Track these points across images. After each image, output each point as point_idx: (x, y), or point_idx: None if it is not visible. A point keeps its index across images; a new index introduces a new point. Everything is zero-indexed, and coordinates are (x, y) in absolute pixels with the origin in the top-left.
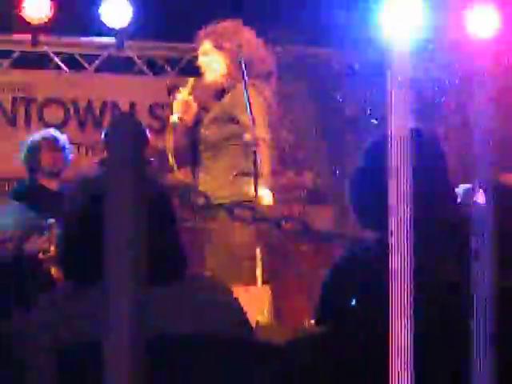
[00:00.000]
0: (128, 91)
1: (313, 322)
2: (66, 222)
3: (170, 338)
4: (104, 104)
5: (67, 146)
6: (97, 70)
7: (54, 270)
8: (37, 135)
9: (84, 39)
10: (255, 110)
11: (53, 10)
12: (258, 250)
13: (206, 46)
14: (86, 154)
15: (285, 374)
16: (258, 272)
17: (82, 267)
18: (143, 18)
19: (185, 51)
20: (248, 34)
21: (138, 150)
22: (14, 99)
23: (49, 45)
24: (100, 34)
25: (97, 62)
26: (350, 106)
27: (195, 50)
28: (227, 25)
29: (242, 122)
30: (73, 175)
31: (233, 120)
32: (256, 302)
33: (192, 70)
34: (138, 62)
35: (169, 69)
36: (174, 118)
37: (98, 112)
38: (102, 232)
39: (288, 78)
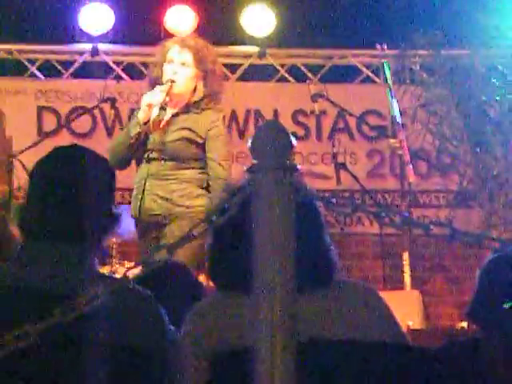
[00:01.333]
0: (271, 99)
1: (464, 325)
2: (215, 232)
3: (322, 344)
4: (248, 112)
5: None
6: (240, 79)
7: (202, 279)
8: None
9: (226, 49)
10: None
11: (195, 22)
12: (405, 255)
13: (187, 56)
14: (232, 162)
15: (439, 379)
16: (407, 277)
17: (231, 275)
18: (285, 26)
19: (327, 58)
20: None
21: (285, 157)
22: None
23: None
24: (242, 44)
25: (239, 71)
26: (494, 107)
27: (338, 56)
28: (203, 44)
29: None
30: None
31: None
32: (405, 307)
33: (334, 76)
34: (281, 69)
35: (311, 75)
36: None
37: (241, 120)
38: (252, 240)
39: (431, 82)
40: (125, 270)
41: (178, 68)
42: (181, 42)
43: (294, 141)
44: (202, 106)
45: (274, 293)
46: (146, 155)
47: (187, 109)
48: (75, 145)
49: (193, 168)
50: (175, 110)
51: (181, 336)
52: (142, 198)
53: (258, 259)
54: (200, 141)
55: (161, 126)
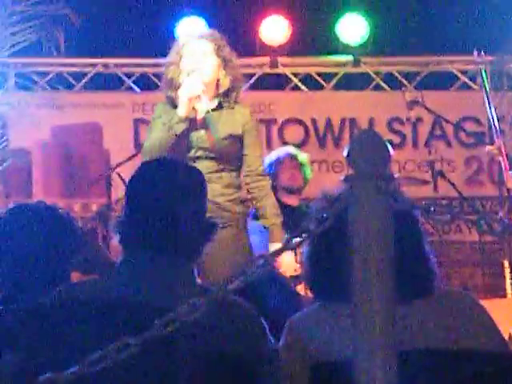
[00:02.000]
0: (366, 107)
1: None
2: (312, 240)
3: (424, 354)
4: (343, 121)
5: (307, 163)
6: (334, 88)
7: (300, 288)
8: (276, 153)
9: (321, 58)
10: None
11: (290, 32)
12: (506, 263)
13: (207, 45)
14: (327, 171)
15: None
16: (508, 285)
17: (329, 285)
18: (380, 34)
19: (423, 65)
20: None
21: (382, 166)
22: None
23: (287, 66)
24: (336, 52)
25: (334, 80)
26: None
27: (434, 63)
28: (218, 34)
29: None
30: (314, 192)
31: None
32: (507, 315)
33: (430, 83)
34: (376, 77)
35: (406, 83)
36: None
37: (337, 129)
38: (350, 249)
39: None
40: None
41: (201, 58)
42: (197, 34)
43: (390, 149)
44: (233, 100)
45: (373, 303)
46: (191, 154)
47: (219, 103)
48: (166, 157)
49: (234, 169)
50: (210, 104)
51: (281, 346)
52: None
53: (356, 269)
54: (239, 137)
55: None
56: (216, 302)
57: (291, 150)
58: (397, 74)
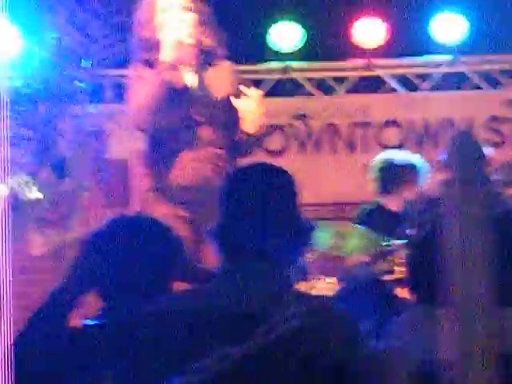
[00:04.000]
0: (464, 107)
1: None
2: (415, 244)
3: None
4: (440, 122)
5: (421, 167)
6: (432, 89)
7: (399, 292)
8: (400, 158)
9: (417, 59)
10: None
11: (385, 33)
12: None
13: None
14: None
15: None
16: None
17: (431, 289)
18: (477, 32)
19: None
20: None
21: (480, 168)
22: (351, 124)
23: (382, 68)
24: (432, 52)
25: (431, 80)
26: None
27: None
28: None
29: None
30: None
31: None
32: None
33: None
34: (473, 76)
35: (504, 81)
36: None
37: (434, 130)
38: (451, 253)
39: None
40: (323, 286)
41: (178, 13)
42: None
43: (488, 151)
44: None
45: (474, 306)
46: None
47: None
48: (260, 163)
49: None
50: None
51: (381, 349)
52: None
53: (457, 272)
54: None
55: None
56: (315, 309)
57: (411, 157)
58: (494, 73)
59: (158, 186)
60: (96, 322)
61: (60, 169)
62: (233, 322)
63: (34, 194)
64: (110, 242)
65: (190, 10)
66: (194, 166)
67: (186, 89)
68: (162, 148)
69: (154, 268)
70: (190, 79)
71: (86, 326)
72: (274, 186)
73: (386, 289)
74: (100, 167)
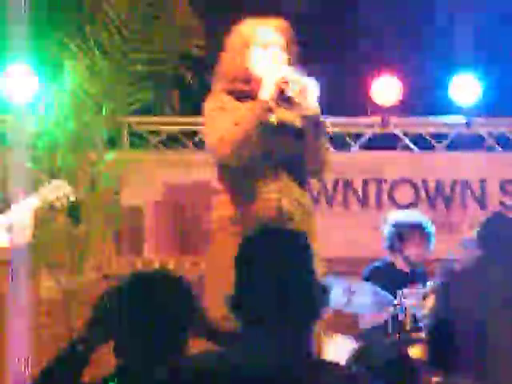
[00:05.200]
0: (478, 168)
1: None
2: (436, 318)
3: None
4: (454, 182)
5: (433, 233)
6: (446, 149)
7: (413, 352)
8: (405, 219)
9: (433, 119)
10: None
11: (402, 92)
12: None
13: (281, 39)
14: (437, 233)
15: None
16: None
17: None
18: (492, 94)
19: None
20: None
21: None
22: (364, 180)
23: (398, 126)
24: (448, 113)
25: (446, 140)
26: None
27: None
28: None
29: None
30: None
31: None
32: None
33: None
34: (488, 138)
35: None
36: None
37: (448, 190)
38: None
39: None
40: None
41: (278, 52)
42: (270, 24)
43: None
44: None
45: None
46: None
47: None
48: (274, 228)
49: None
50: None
51: None
52: None
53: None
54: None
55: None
56: (335, 376)
57: (421, 217)
58: (509, 135)
59: (237, 217)
60: (112, 381)
61: (76, 213)
62: None
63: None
64: (127, 298)
65: (285, 49)
66: (274, 197)
67: (271, 125)
68: (244, 179)
69: (170, 327)
70: (274, 116)
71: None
72: (289, 252)
73: (409, 365)
74: (115, 214)
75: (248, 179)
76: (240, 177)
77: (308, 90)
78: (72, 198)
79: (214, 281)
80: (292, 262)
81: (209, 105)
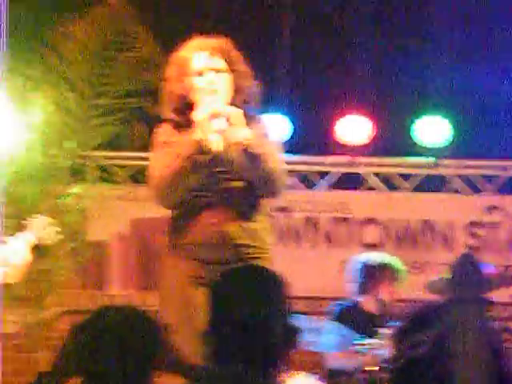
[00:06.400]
0: (444, 210)
1: None
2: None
3: None
4: (422, 223)
5: (404, 275)
6: (412, 190)
7: None
8: (375, 259)
9: (399, 159)
10: None
11: (369, 132)
12: None
13: (220, 62)
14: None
15: None
16: None
17: None
18: (459, 136)
19: (502, 169)
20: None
21: (483, 290)
22: (331, 219)
23: (364, 165)
24: (414, 154)
25: (412, 181)
26: None
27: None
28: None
29: None
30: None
31: None
32: None
33: (507, 187)
34: (454, 180)
35: (485, 187)
36: None
37: (414, 231)
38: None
39: None
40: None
41: (214, 77)
42: (206, 47)
43: (489, 270)
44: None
45: None
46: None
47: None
48: (249, 266)
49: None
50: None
51: None
52: None
53: None
54: None
55: None
56: None
57: (390, 260)
58: (475, 178)
59: (178, 243)
60: None
61: (39, 248)
62: None
63: (57, 235)
64: (93, 332)
65: (227, 69)
66: (214, 223)
67: (204, 162)
68: (184, 206)
69: (137, 360)
70: (216, 144)
71: None
72: (262, 291)
73: None
74: (79, 248)
75: (191, 208)
76: (184, 205)
77: (236, 120)
78: (58, 235)
79: (165, 300)
80: (264, 301)
81: (154, 139)
